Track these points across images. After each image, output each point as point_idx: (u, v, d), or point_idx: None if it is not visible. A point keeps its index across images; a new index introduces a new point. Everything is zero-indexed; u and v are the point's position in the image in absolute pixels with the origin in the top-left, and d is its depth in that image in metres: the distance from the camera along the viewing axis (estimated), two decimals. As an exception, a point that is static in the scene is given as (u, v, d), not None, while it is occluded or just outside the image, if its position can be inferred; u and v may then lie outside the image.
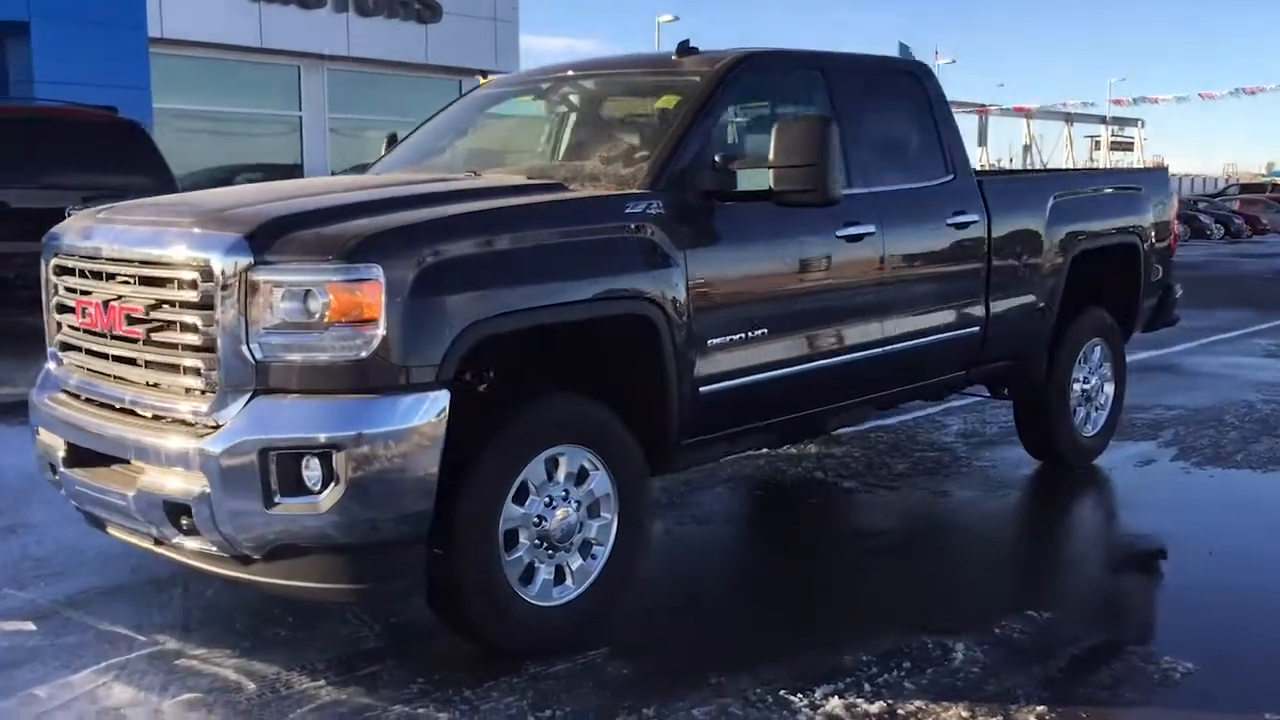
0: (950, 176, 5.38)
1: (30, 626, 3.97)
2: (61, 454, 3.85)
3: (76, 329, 3.85)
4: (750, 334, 4.28)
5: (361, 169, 5.73)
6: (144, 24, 16.09)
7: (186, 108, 18.61)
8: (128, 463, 3.61)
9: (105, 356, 3.73)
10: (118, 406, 3.69)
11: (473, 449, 3.48)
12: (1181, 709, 3.49)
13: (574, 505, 3.78)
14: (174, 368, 3.47)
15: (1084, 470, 6.27)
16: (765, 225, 4.34)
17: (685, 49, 4.82)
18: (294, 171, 19.60)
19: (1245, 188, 49.49)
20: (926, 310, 5.14)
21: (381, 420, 3.26)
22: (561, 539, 3.75)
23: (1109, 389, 6.42)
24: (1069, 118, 67.76)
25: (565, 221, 3.84)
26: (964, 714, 3.38)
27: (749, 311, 4.30)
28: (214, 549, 3.43)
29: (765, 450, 6.15)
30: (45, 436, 3.99)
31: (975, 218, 5.36)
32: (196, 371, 3.40)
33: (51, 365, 4.08)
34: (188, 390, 3.45)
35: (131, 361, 3.62)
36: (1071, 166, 49.89)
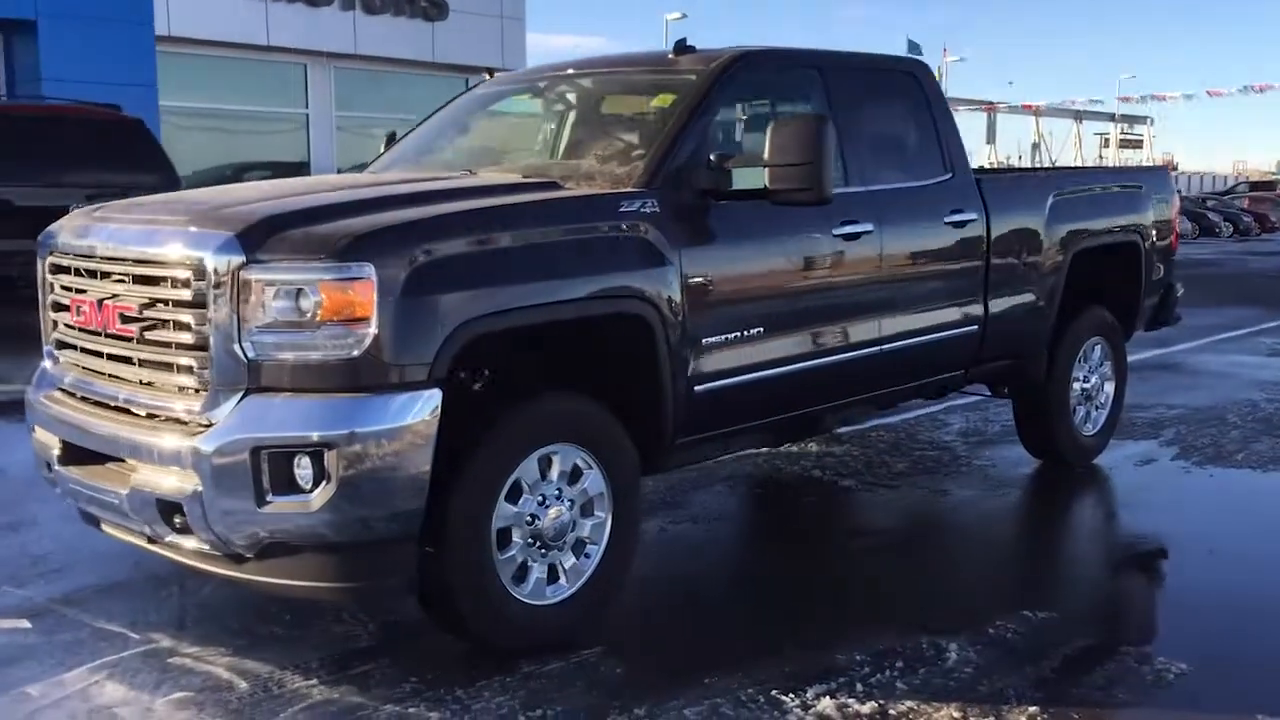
0: (949, 175, 5.36)
1: (26, 624, 3.99)
2: (56, 452, 3.86)
3: (72, 327, 3.87)
4: (746, 333, 4.27)
5: (363, 167, 5.72)
6: (151, 22, 16.14)
7: (193, 106, 18.70)
8: (122, 461, 3.62)
9: (100, 355, 3.74)
10: (112, 405, 3.70)
11: (466, 447, 3.49)
12: (1174, 710, 3.47)
13: (567, 504, 3.78)
14: (167, 366, 3.48)
15: (1084, 469, 6.25)
16: (761, 224, 4.33)
17: (682, 47, 4.81)
18: (300, 169, 19.65)
19: (1254, 185, 49.42)
20: (924, 309, 5.12)
21: (373, 419, 3.26)
22: (555, 538, 3.75)
23: (1109, 388, 6.40)
24: (1078, 115, 67.72)
25: (559, 220, 3.84)
26: (955, 714, 3.38)
27: (744, 310, 4.29)
28: (207, 547, 3.44)
29: (764, 450, 6.14)
30: (41, 434, 4.00)
31: (974, 216, 5.34)
32: (189, 370, 3.41)
33: (47, 363, 4.10)
34: (181, 389, 3.46)
35: (126, 360, 3.63)
36: (1080, 164, 49.86)
